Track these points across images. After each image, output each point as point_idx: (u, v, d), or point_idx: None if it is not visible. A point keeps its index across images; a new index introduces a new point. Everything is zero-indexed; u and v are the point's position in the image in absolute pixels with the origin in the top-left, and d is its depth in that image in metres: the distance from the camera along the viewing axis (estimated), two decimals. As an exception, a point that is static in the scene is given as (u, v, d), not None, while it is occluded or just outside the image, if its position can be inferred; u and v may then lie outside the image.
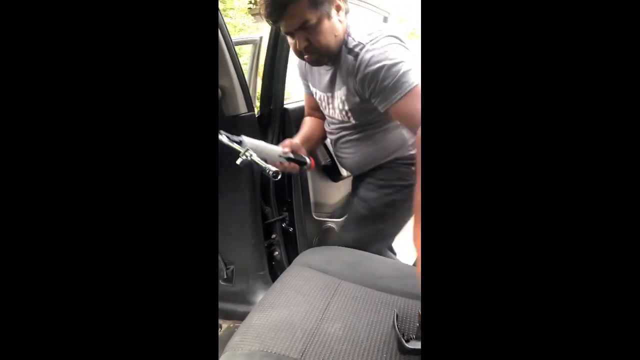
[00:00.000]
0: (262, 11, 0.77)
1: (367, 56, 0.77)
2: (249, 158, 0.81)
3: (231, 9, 3.94)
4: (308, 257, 0.87)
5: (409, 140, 0.93)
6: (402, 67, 0.75)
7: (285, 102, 1.20)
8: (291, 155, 0.90)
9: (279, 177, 0.83)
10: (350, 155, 0.98)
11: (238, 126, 1.00)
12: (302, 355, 0.56)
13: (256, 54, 2.13)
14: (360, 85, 0.80)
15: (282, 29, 0.79)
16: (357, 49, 0.79)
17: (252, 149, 0.83)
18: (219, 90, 0.98)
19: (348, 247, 0.92)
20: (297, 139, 0.95)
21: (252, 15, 4.32)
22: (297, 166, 0.91)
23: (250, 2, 4.30)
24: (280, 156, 0.88)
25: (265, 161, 0.85)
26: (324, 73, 0.90)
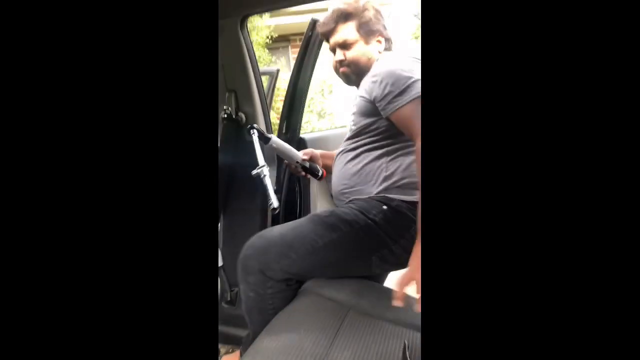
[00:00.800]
0: (319, 26, 0.98)
1: (384, 60, 0.89)
2: (261, 176, 0.86)
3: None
4: (316, 283, 0.87)
5: (385, 179, 0.86)
6: (412, 77, 0.80)
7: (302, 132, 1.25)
8: (306, 165, 1.00)
9: (277, 211, 0.89)
10: (336, 169, 0.96)
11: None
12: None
13: (272, 85, 2.23)
14: (370, 85, 0.86)
15: (329, 43, 0.96)
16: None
17: (277, 147, 0.97)
18: (243, 115, 1.04)
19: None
20: (318, 152, 1.05)
21: (268, 49, 4.55)
22: (307, 175, 1.02)
23: (267, 38, 4.54)
24: (297, 162, 0.99)
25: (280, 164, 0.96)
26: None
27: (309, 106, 3.90)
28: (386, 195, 0.85)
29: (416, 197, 0.82)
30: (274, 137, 0.96)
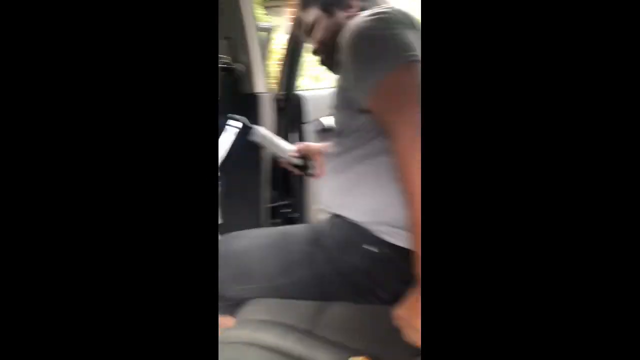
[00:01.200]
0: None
1: (346, 31, 0.58)
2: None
3: None
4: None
5: (369, 206, 0.63)
6: (386, 36, 0.53)
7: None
8: (295, 161, 0.84)
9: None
10: (324, 184, 0.72)
11: (256, 104, 1.00)
12: (312, 327, 0.56)
13: (267, 41, 2.13)
14: (339, 68, 0.63)
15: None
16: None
17: (262, 139, 0.81)
18: (242, 66, 0.98)
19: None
20: (320, 145, 0.83)
21: (265, 8, 4.34)
22: (296, 170, 0.87)
23: (262, -5, 4.34)
24: (283, 157, 0.86)
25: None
26: None
27: (305, 69, 3.78)
28: (370, 230, 0.61)
29: (403, 240, 0.57)
30: (258, 129, 0.79)
